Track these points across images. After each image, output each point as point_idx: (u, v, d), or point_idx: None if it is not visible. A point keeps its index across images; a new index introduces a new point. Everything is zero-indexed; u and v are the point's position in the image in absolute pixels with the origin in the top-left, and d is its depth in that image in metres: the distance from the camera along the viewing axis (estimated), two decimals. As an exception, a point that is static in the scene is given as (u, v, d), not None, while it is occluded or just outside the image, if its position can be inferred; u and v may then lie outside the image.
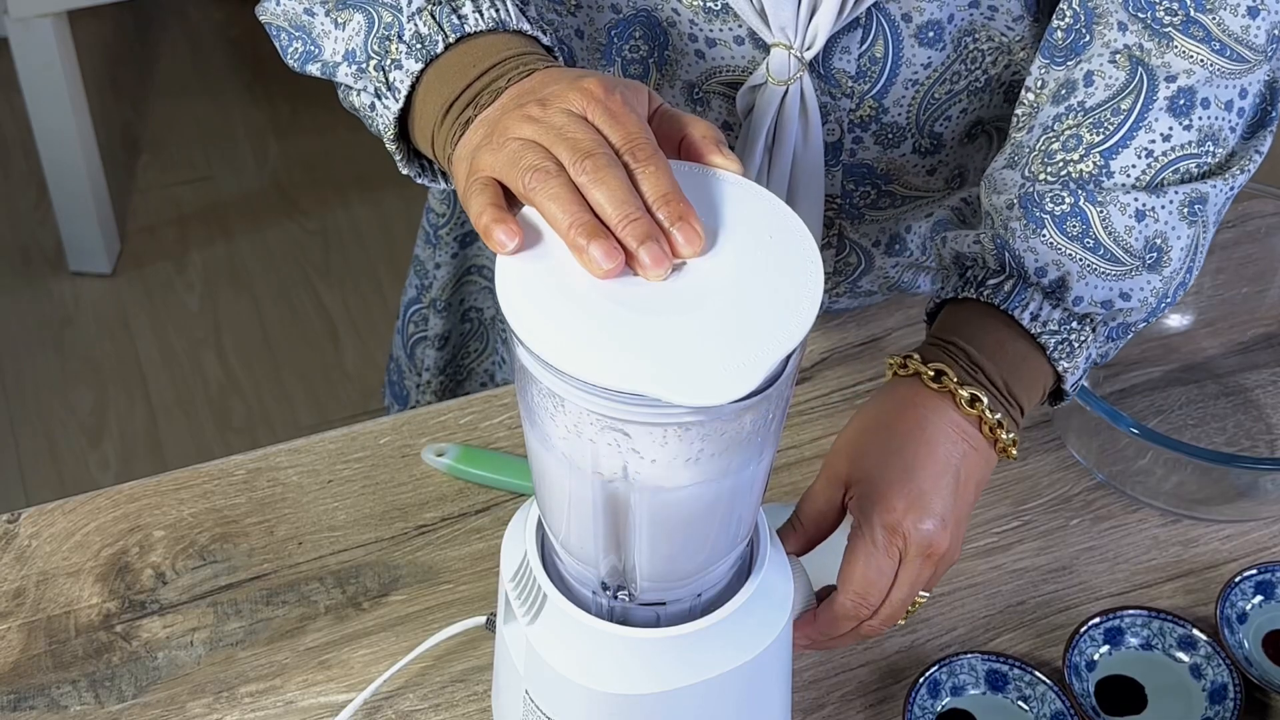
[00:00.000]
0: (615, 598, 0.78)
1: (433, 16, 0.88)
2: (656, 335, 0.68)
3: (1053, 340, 0.92)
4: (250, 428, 2.39)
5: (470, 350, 1.32)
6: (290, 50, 0.96)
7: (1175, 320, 1.14)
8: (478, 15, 0.88)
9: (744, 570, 0.80)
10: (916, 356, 0.91)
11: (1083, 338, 0.93)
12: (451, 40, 0.87)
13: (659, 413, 0.67)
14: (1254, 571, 0.98)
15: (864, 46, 1.01)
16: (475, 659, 0.96)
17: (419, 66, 0.88)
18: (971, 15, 1.02)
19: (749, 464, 0.73)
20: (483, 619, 0.94)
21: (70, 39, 2.40)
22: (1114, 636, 0.96)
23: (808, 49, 0.99)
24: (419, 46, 0.88)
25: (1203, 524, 1.03)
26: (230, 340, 2.50)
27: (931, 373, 0.90)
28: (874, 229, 1.12)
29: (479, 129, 0.81)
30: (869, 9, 0.99)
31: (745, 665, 0.79)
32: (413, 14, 0.89)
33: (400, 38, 0.89)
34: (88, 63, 2.68)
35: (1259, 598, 0.98)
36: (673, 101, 1.06)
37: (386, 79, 0.89)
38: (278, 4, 0.95)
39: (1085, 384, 1.01)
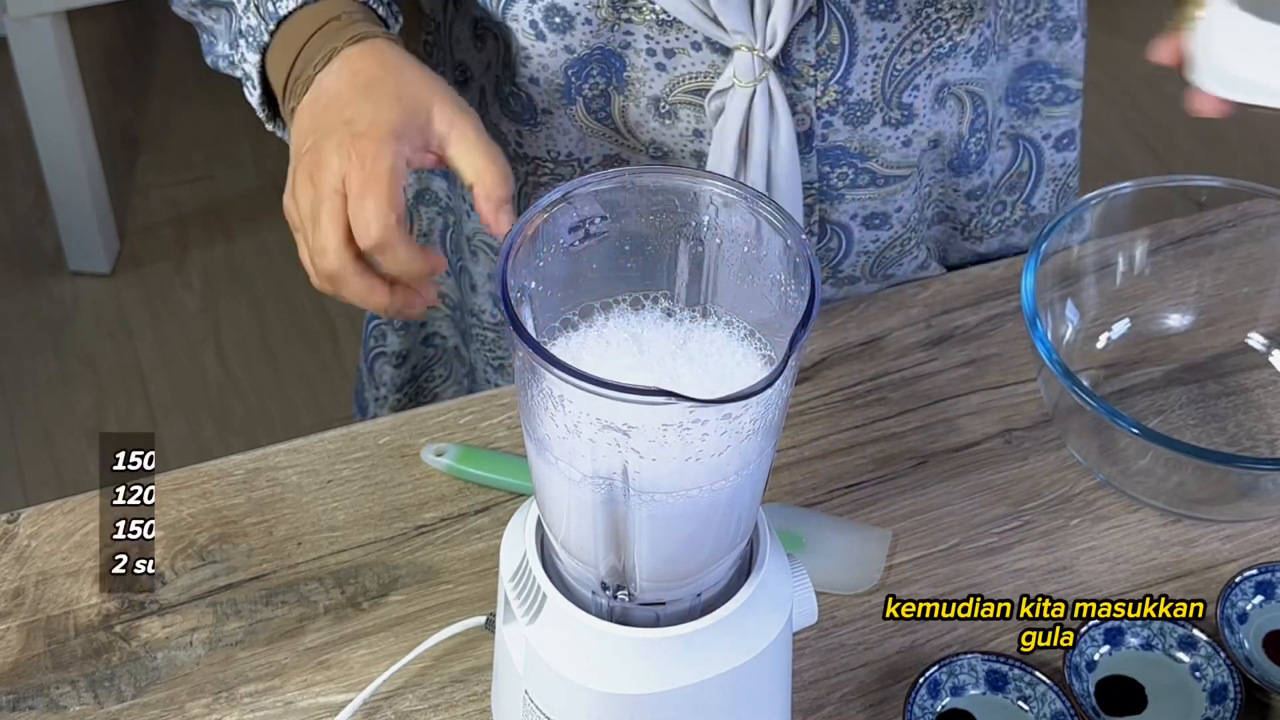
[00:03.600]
0: (615, 598, 0.77)
1: (256, 9, 0.96)
2: None
3: None
4: (250, 428, 2.38)
5: (435, 375, 1.31)
6: (203, 44, 1.04)
7: (1175, 320, 1.14)
8: None
9: (744, 570, 0.80)
10: None
11: None
12: (272, 27, 0.95)
13: (659, 411, 0.67)
14: (1254, 571, 0.98)
15: (820, 35, 1.02)
16: (475, 659, 0.96)
17: (257, 57, 0.96)
18: None
19: (749, 464, 0.73)
20: (482, 619, 0.94)
21: (69, 38, 2.39)
22: (1114, 636, 0.96)
23: (770, 48, 1.00)
24: (252, 39, 0.96)
25: (1203, 524, 1.03)
26: (230, 340, 2.50)
27: None
28: (854, 205, 1.12)
29: (294, 140, 0.96)
30: None
31: (745, 665, 0.79)
32: (244, 9, 0.97)
33: (241, 33, 0.97)
34: (87, 63, 2.67)
35: (1259, 598, 0.98)
36: (639, 119, 1.06)
37: (244, 70, 0.98)
38: (174, 4, 1.04)
39: (1085, 382, 1.01)
